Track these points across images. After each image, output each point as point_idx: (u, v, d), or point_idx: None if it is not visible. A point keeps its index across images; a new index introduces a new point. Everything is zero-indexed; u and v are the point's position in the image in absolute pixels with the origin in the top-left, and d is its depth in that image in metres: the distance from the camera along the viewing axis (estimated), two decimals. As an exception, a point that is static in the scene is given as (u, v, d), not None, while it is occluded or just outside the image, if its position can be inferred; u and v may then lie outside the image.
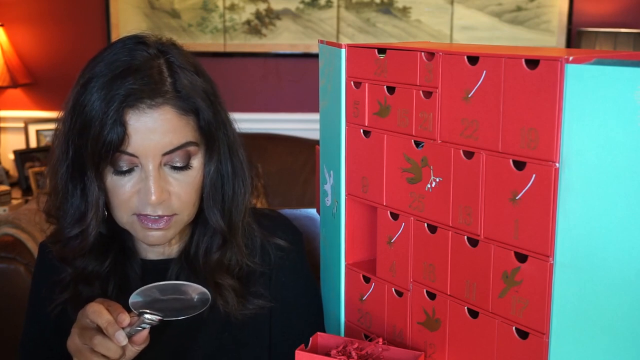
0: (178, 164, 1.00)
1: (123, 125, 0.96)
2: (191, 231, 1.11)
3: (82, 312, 0.95)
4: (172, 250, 1.12)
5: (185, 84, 1.00)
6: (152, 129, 0.97)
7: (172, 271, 1.09)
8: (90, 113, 0.97)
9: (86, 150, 0.98)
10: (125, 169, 0.99)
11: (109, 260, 1.07)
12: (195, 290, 0.97)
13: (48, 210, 1.08)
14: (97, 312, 0.92)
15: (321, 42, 1.02)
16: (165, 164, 1.00)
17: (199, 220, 1.09)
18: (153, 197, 0.98)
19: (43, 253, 1.15)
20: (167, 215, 1.01)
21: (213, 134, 1.03)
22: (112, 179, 1.00)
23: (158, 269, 1.10)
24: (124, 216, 1.02)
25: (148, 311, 0.92)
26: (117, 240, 1.09)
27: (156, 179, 0.98)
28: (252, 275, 1.11)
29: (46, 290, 1.11)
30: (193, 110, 1.01)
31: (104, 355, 0.91)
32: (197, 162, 1.02)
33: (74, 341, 0.94)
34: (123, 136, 0.96)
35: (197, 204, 1.05)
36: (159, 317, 0.92)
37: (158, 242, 1.04)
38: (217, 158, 1.04)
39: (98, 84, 0.98)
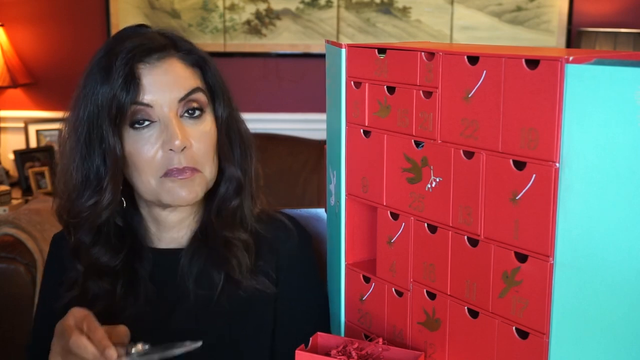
0: (192, 112, 1.05)
1: (137, 78, 1.01)
2: (201, 215, 1.13)
3: (62, 335, 0.91)
4: (182, 238, 1.13)
5: (185, 45, 1.08)
6: (165, 79, 1.03)
7: (183, 260, 1.10)
8: (101, 81, 1.02)
9: (102, 113, 1.01)
10: (143, 123, 1.03)
11: (122, 255, 1.09)
12: (188, 343, 0.95)
13: (62, 203, 1.08)
14: (82, 347, 0.87)
15: (327, 42, 1.02)
16: (181, 115, 1.04)
17: (209, 195, 1.11)
18: (177, 142, 1.01)
19: (55, 246, 1.17)
20: (191, 167, 1.04)
21: (220, 87, 1.10)
22: (132, 139, 1.03)
23: (169, 259, 1.11)
24: (151, 181, 1.04)
25: (135, 351, 0.90)
26: (131, 234, 1.11)
27: (178, 124, 1.02)
28: (260, 257, 1.12)
29: (55, 285, 1.12)
30: (198, 65, 1.08)
31: None
32: (208, 114, 1.08)
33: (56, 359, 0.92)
34: (137, 88, 1.01)
35: (215, 162, 1.08)
36: (146, 351, 0.90)
37: (187, 200, 1.05)
38: (225, 110, 1.10)
39: (104, 59, 1.03)
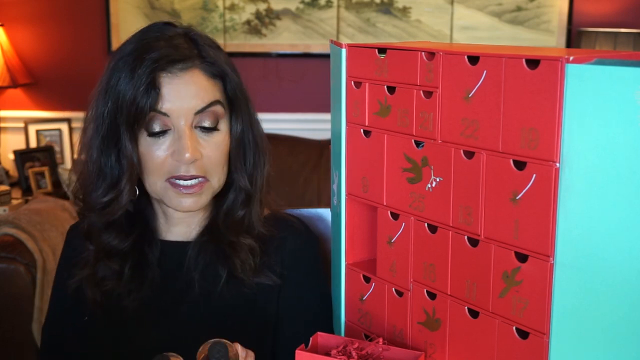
0: (207, 124, 1.06)
1: (157, 87, 1.02)
2: (210, 213, 1.15)
3: None
4: (191, 233, 1.15)
5: (211, 54, 1.08)
6: (184, 91, 1.04)
7: (190, 252, 1.13)
8: (125, 81, 1.03)
9: (121, 115, 1.03)
10: (158, 129, 1.04)
11: (131, 239, 1.11)
12: None
13: (81, 187, 1.11)
14: None
15: (331, 41, 1.02)
16: (196, 126, 1.05)
17: (218, 198, 1.13)
18: (187, 155, 1.03)
19: (70, 236, 1.20)
20: (199, 176, 1.05)
21: (239, 99, 1.10)
22: (146, 142, 1.05)
23: (177, 251, 1.14)
24: (157, 183, 1.07)
25: None
26: (141, 221, 1.14)
27: (190, 137, 1.04)
28: (266, 254, 1.14)
29: (69, 267, 1.15)
30: (220, 76, 1.08)
31: None
32: (223, 125, 1.09)
33: None
34: (157, 97, 1.02)
35: (225, 170, 1.10)
36: None
37: (191, 209, 1.08)
38: (241, 122, 1.10)
39: (130, 58, 1.04)
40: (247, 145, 1.12)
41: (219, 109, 1.07)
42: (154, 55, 1.03)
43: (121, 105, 1.03)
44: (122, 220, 1.11)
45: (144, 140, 1.05)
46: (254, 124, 1.14)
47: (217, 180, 1.09)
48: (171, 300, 1.12)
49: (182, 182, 1.05)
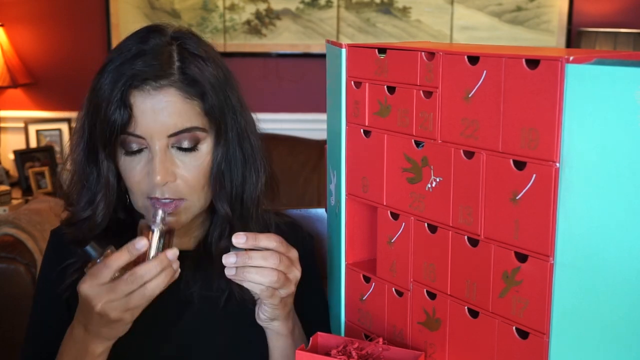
0: (185, 145, 1.01)
1: (129, 107, 0.98)
2: (209, 222, 1.12)
3: (85, 300, 0.92)
4: (189, 243, 1.13)
5: (192, 69, 1.01)
6: (157, 111, 0.98)
7: (188, 264, 1.09)
8: (100, 95, 1.00)
9: (96, 131, 1.01)
10: (135, 149, 1.01)
11: (122, 243, 1.08)
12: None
13: (67, 194, 1.10)
14: (111, 261, 0.91)
15: (328, 41, 1.02)
16: (172, 146, 1.01)
17: (215, 210, 1.10)
18: (157, 178, 0.98)
19: (54, 239, 1.17)
20: (175, 199, 1.01)
21: (219, 119, 1.03)
22: (123, 161, 1.02)
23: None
24: (138, 200, 1.04)
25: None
26: (132, 228, 1.10)
27: (162, 160, 0.99)
28: None
29: (57, 274, 1.11)
30: (199, 95, 1.01)
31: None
32: (205, 146, 1.03)
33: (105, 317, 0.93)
34: (128, 118, 0.98)
35: (207, 190, 1.05)
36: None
37: (171, 226, 1.03)
38: (224, 144, 1.05)
39: (110, 67, 1.00)
40: (234, 164, 1.06)
41: (194, 134, 1.01)
42: (129, 72, 0.98)
43: (97, 116, 1.00)
44: (112, 227, 1.08)
45: (122, 158, 1.02)
46: (244, 140, 1.07)
47: (197, 200, 1.04)
48: (173, 311, 1.10)
49: (159, 200, 1.02)
